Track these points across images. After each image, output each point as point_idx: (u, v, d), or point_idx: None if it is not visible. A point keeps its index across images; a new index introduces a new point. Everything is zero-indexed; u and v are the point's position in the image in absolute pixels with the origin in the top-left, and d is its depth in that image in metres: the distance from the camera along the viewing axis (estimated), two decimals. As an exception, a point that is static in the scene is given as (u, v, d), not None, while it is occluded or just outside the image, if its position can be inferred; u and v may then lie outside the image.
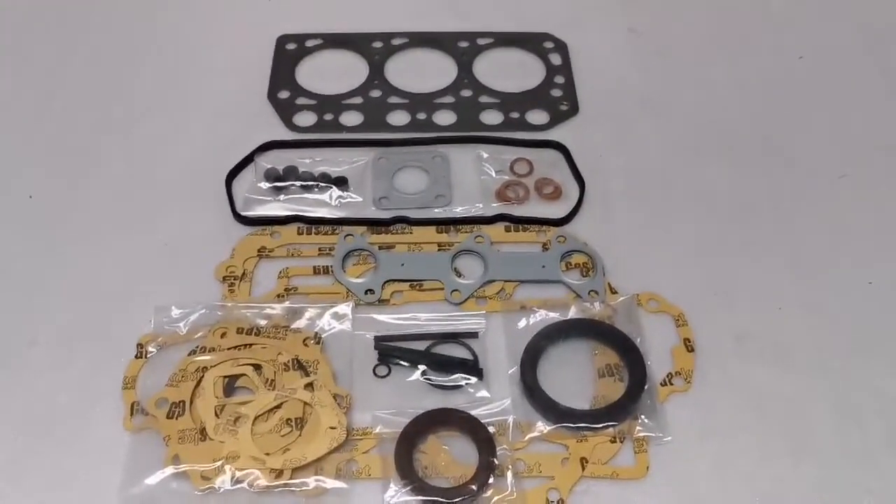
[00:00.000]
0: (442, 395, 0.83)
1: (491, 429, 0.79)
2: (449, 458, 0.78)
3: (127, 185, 1.00)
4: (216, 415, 0.79)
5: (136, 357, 0.84)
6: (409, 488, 0.75)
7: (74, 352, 0.85)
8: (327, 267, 0.91)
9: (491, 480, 0.76)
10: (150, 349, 0.84)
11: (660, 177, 1.03)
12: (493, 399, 0.82)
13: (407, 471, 0.76)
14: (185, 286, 0.89)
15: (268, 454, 0.77)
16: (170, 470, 0.76)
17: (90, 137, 1.05)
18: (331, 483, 0.76)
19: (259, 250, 0.93)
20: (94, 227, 0.96)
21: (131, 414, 0.80)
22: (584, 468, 0.78)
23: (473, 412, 0.80)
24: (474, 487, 0.75)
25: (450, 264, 0.92)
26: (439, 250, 0.93)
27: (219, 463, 0.76)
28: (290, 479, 0.75)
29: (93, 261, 0.92)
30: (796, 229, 0.98)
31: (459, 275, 0.92)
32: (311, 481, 0.76)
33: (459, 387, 0.83)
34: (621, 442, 0.80)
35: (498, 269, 0.92)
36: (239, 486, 0.75)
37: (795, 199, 1.01)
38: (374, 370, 0.84)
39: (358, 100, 1.11)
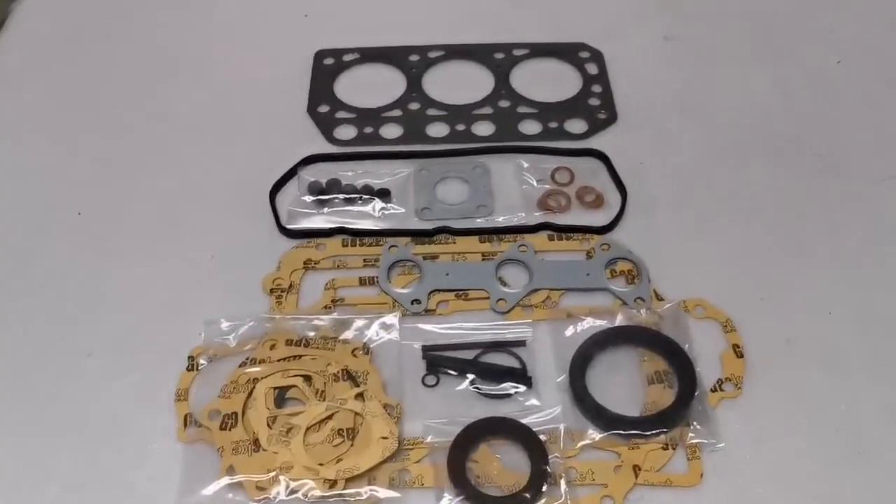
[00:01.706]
0: (491, 403, 0.83)
1: (542, 437, 0.78)
2: (501, 466, 0.78)
3: (172, 202, 1.01)
4: (268, 426, 0.79)
5: (188, 370, 0.84)
6: (462, 497, 0.75)
7: (128, 364, 0.86)
8: (373, 278, 0.92)
9: (544, 488, 0.76)
10: (202, 361, 0.85)
11: (702, 182, 1.02)
12: (542, 407, 0.81)
13: (460, 479, 0.76)
14: (234, 299, 0.90)
15: (321, 464, 0.77)
16: (225, 480, 0.76)
17: (135, 155, 1.07)
18: (384, 493, 0.76)
19: (305, 262, 0.93)
20: (141, 243, 0.97)
21: (185, 426, 0.80)
22: (637, 475, 0.77)
23: (524, 420, 0.80)
24: (528, 496, 0.75)
25: (494, 273, 0.92)
26: (483, 260, 0.94)
27: (273, 473, 0.76)
28: (344, 489, 0.76)
29: (142, 275, 0.93)
30: (843, 232, 0.97)
31: (504, 284, 0.92)
32: (365, 491, 0.76)
33: (509, 395, 0.83)
34: (674, 449, 0.79)
35: (543, 277, 0.92)
36: (293, 496, 0.75)
37: (841, 202, 1.00)
38: (422, 380, 0.84)
39: (397, 112, 1.12)
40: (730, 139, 1.07)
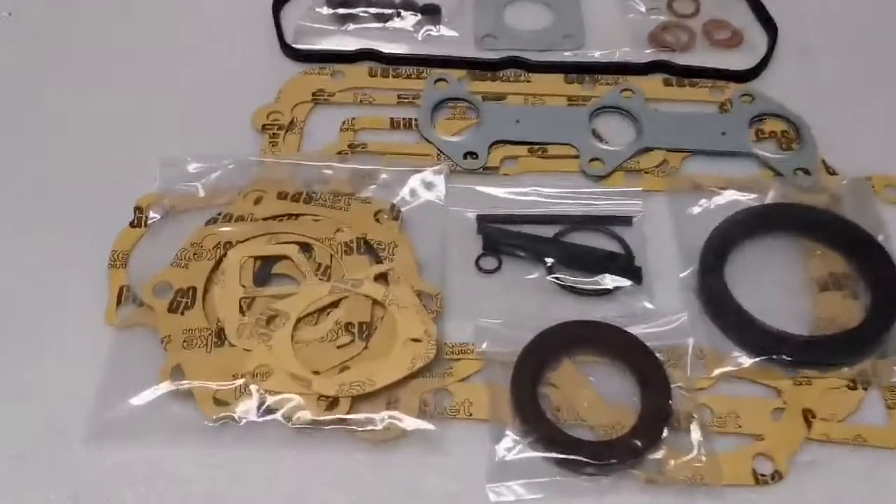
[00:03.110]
0: (581, 302, 0.63)
1: (659, 356, 0.58)
2: (594, 395, 0.58)
3: (139, 5, 0.82)
4: (241, 311, 0.61)
5: (132, 225, 0.66)
6: (533, 438, 0.55)
7: (49, 217, 0.67)
8: (410, 120, 0.75)
9: (664, 435, 0.53)
10: (152, 214, 0.67)
11: (882, 22, 0.80)
12: (659, 313, 0.62)
13: (530, 412, 0.56)
14: (212, 136, 0.72)
15: (316, 373, 0.58)
16: (165, 387, 0.56)
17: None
18: (411, 423, 0.56)
19: (314, 94, 0.76)
20: (92, 56, 0.78)
21: (118, 303, 0.62)
22: (809, 426, 0.57)
23: (630, 330, 0.60)
24: (638, 443, 0.54)
25: (586, 124, 0.74)
26: (570, 105, 0.76)
27: (241, 381, 0.57)
28: (349, 413, 0.55)
29: (88, 98, 0.75)
30: None
31: (601, 139, 0.74)
32: (382, 418, 0.56)
33: (607, 292, 0.63)
34: (865, 389, 0.58)
35: (657, 133, 0.73)
36: (270, 417, 0.55)
37: None
38: (477, 262, 0.66)
39: None
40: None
